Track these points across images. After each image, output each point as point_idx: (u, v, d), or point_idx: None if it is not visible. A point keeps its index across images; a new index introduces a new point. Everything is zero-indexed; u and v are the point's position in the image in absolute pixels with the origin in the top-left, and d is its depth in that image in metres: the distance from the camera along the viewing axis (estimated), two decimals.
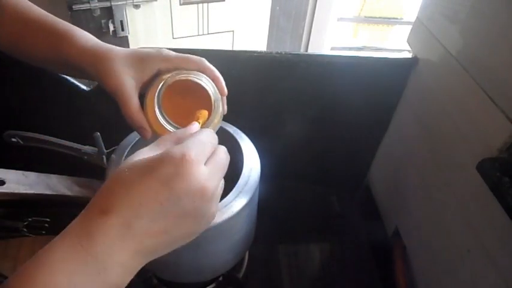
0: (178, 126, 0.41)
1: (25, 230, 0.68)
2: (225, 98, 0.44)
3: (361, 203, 0.84)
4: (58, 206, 0.74)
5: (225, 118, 0.55)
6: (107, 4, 1.16)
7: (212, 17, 1.40)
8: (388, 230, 0.72)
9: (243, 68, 0.63)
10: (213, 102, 0.41)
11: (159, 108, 0.40)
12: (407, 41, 0.65)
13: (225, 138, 0.53)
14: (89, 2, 1.12)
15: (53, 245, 0.24)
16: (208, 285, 0.60)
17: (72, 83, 0.61)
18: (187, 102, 0.42)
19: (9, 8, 0.42)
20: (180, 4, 1.31)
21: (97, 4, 1.14)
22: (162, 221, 0.26)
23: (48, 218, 0.70)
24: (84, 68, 0.40)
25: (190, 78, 0.40)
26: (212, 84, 0.41)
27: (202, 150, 0.29)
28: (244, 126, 0.54)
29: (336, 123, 0.73)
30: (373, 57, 0.63)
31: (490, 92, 0.44)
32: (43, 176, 0.33)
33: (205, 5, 1.36)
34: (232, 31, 1.49)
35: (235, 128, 0.54)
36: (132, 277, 0.27)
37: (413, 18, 0.63)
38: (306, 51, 1.70)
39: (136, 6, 1.24)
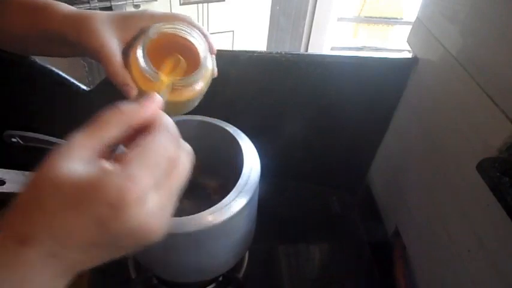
0: (166, 77, 0.37)
1: None
2: (214, 57, 0.42)
3: (361, 203, 0.84)
4: None
5: (225, 118, 0.56)
6: (107, 4, 1.16)
7: (212, 17, 1.40)
8: (388, 230, 0.72)
9: (243, 68, 0.63)
10: (201, 58, 0.38)
11: (143, 57, 0.36)
12: (407, 41, 0.65)
13: (225, 138, 0.53)
14: (88, 2, 1.12)
15: None
16: (208, 285, 0.60)
17: (72, 83, 0.61)
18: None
19: None
20: (180, 4, 1.31)
21: (97, 4, 1.14)
22: (95, 251, 0.24)
23: None
24: (66, 34, 0.39)
25: (177, 32, 0.38)
26: (202, 38, 0.39)
27: (150, 175, 0.24)
28: (244, 126, 0.54)
29: (336, 123, 0.73)
30: (373, 57, 0.63)
31: (490, 92, 0.44)
32: None
33: (205, 5, 1.36)
34: (232, 31, 1.49)
35: (235, 128, 0.54)
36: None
37: (413, 18, 0.63)
38: (306, 51, 1.69)
39: (136, 6, 1.24)
